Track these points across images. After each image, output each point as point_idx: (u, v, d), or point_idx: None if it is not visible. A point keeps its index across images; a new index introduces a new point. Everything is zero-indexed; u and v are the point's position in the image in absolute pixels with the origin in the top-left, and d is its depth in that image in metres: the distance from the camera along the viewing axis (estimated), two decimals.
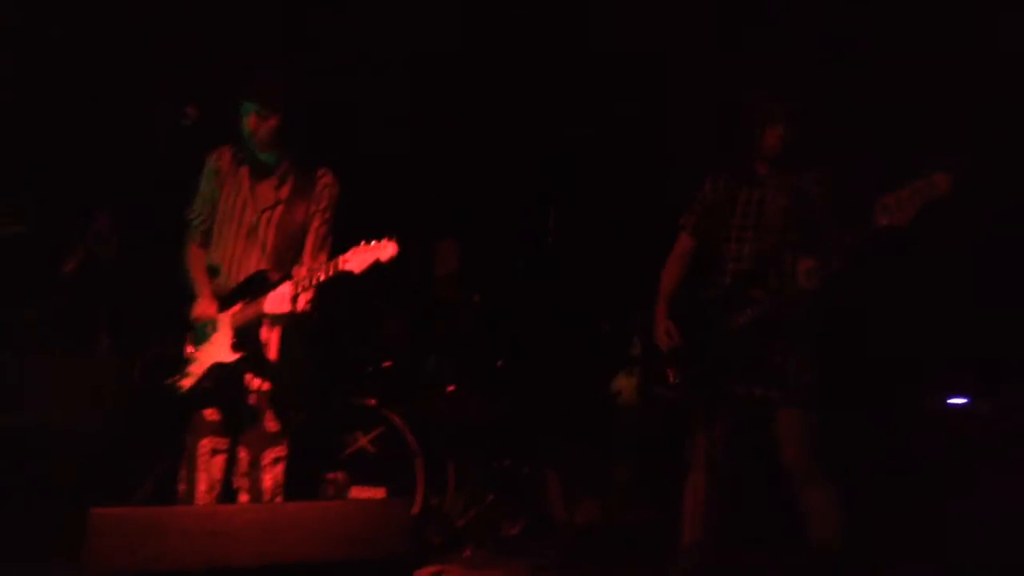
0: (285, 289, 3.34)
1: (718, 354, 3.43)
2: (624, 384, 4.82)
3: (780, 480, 3.52)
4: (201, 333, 3.42)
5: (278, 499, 3.46)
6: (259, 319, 3.39)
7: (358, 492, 4.45)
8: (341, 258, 3.28)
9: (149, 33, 4.85)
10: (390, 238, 3.25)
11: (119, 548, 2.80)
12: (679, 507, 3.74)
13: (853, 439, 4.15)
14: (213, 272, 3.53)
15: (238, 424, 3.47)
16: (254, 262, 3.46)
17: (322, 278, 3.27)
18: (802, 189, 3.48)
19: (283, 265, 3.46)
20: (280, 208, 3.50)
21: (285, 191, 3.52)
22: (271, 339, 3.46)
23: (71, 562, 2.91)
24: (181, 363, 3.42)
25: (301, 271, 3.45)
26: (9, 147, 4.86)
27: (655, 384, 3.71)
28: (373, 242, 3.24)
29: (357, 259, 3.26)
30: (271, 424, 3.46)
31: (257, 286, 3.40)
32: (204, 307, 3.47)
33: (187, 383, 3.39)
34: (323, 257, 3.51)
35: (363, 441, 4.52)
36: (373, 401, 4.56)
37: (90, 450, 4.54)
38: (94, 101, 4.96)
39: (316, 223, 3.54)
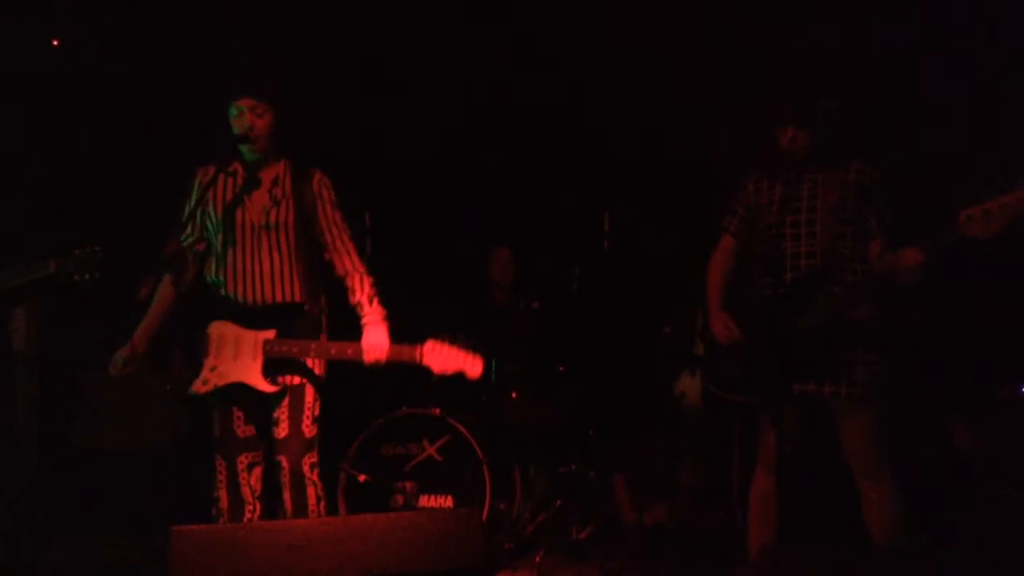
0: (380, 337, 3.37)
1: (784, 353, 3.41)
2: (688, 385, 4.81)
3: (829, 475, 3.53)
4: (218, 342, 3.39)
5: (322, 504, 3.49)
6: (300, 356, 3.39)
7: (427, 501, 4.51)
8: (419, 349, 3.31)
9: (211, 59, 4.95)
10: (476, 353, 3.31)
11: (200, 565, 2.88)
12: (745, 508, 3.74)
13: (923, 431, 4.10)
14: (216, 286, 3.48)
15: (267, 433, 3.48)
16: (267, 267, 3.42)
17: (394, 359, 3.31)
18: (849, 182, 3.45)
19: (310, 267, 3.44)
20: (287, 208, 3.45)
21: (285, 192, 3.47)
22: (316, 364, 3.48)
23: None
24: (193, 363, 3.40)
25: (355, 282, 3.48)
26: (83, 186, 5.02)
27: (715, 386, 3.71)
28: (457, 349, 3.29)
29: (439, 359, 3.30)
30: (308, 430, 3.45)
31: (293, 317, 3.40)
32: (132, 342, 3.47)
33: (203, 389, 3.37)
34: (355, 253, 3.52)
35: (430, 450, 4.57)
36: (438, 411, 4.60)
37: (168, 467, 4.67)
38: (163, 128, 5.10)
39: (332, 223, 3.52)
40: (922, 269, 3.09)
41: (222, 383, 3.38)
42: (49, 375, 4.55)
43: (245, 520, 3.45)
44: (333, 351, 3.41)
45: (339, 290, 3.55)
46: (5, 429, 4.01)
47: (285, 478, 3.44)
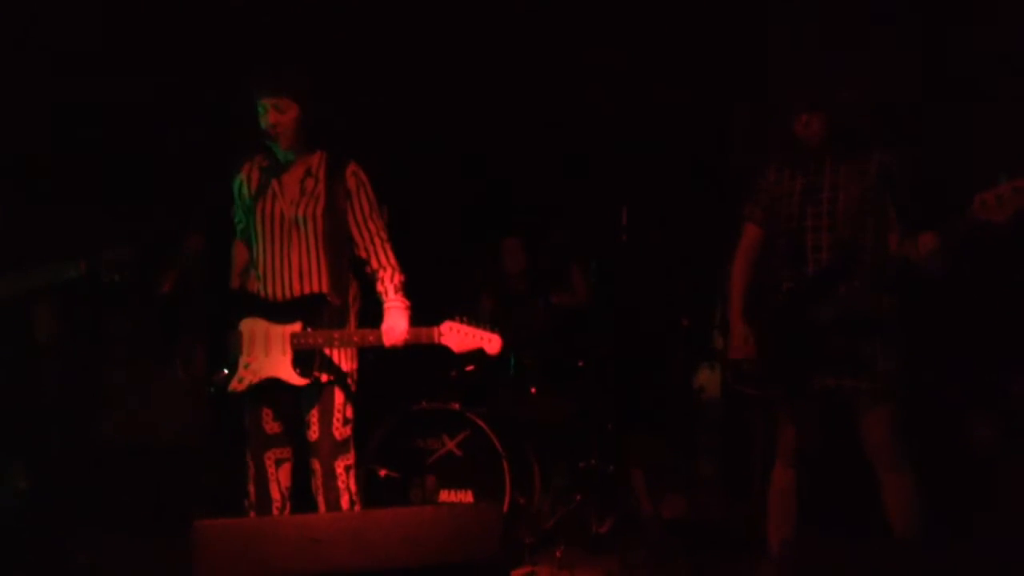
0: (398, 321, 3.42)
1: (804, 346, 3.40)
2: (707, 379, 4.81)
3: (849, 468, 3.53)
4: (249, 338, 3.43)
5: (356, 508, 3.52)
6: (324, 346, 3.42)
7: (447, 496, 4.52)
8: (436, 330, 3.38)
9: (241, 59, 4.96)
10: (493, 330, 3.37)
11: (224, 559, 2.90)
12: (764, 501, 3.74)
13: (943, 424, 4.09)
14: (256, 275, 3.55)
15: (298, 432, 3.52)
16: (295, 260, 3.46)
17: (412, 342, 3.38)
18: (871, 174, 3.44)
19: (337, 260, 3.48)
20: (316, 201, 3.48)
21: (317, 185, 3.50)
22: (336, 354, 3.51)
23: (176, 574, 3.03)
24: (229, 361, 3.44)
25: (385, 274, 3.52)
26: (110, 184, 5.07)
27: (734, 380, 3.70)
28: (474, 328, 3.35)
29: (457, 339, 3.37)
30: (339, 432, 3.49)
31: (318, 309, 3.43)
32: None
33: (239, 387, 3.42)
34: (389, 249, 3.55)
35: (450, 445, 4.58)
36: (457, 405, 4.61)
37: (191, 460, 4.72)
38: (187, 121, 5.14)
39: (368, 219, 3.55)
40: (938, 255, 3.08)
41: (256, 379, 3.42)
42: (73, 371, 4.59)
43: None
44: (356, 338, 3.45)
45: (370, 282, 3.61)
46: (30, 425, 4.04)
47: (318, 481, 3.47)
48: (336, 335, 3.42)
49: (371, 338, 3.41)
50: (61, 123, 5.05)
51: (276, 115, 3.42)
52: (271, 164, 3.56)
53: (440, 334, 3.38)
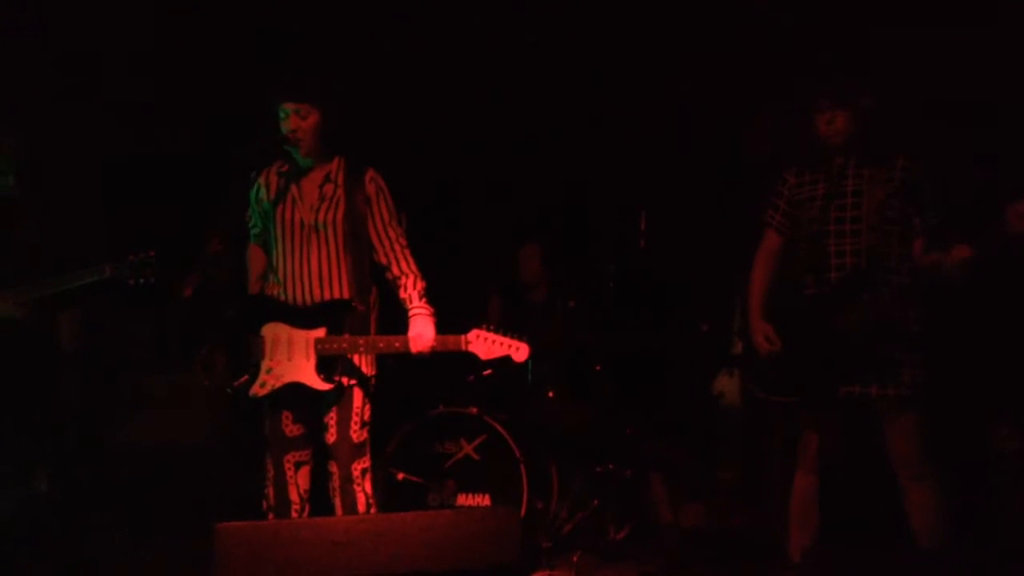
0: (425, 328, 3.44)
1: (827, 353, 3.38)
2: (726, 385, 4.79)
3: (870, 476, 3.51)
4: (272, 344, 3.43)
5: (372, 510, 3.52)
6: (349, 352, 3.43)
7: (464, 500, 4.52)
8: (464, 337, 3.39)
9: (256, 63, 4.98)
10: (522, 339, 3.38)
11: (245, 561, 2.92)
12: (785, 509, 3.72)
13: (967, 433, 4.06)
14: (275, 280, 3.55)
15: (317, 435, 3.53)
16: (315, 266, 3.47)
17: (439, 349, 3.39)
18: (895, 179, 3.41)
19: (359, 265, 3.49)
20: (335, 207, 3.49)
21: (336, 191, 3.51)
22: (358, 359, 3.51)
23: None
24: (250, 366, 3.44)
25: (408, 280, 3.54)
26: (133, 190, 5.09)
27: (755, 386, 3.68)
28: (502, 336, 3.36)
29: (484, 347, 3.37)
30: (356, 435, 3.49)
31: (342, 314, 3.43)
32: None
33: (261, 392, 3.42)
34: (410, 256, 3.57)
35: (468, 449, 4.58)
36: (475, 410, 4.61)
37: (211, 465, 4.73)
38: (208, 126, 5.16)
39: (388, 227, 3.57)
40: (968, 267, 3.06)
41: (279, 384, 3.42)
42: (96, 377, 4.61)
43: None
44: (381, 344, 3.44)
45: (390, 288, 3.62)
46: (52, 429, 4.07)
47: (335, 483, 3.49)
48: (361, 341, 3.42)
49: (397, 344, 3.41)
50: (76, 130, 5.07)
51: (297, 120, 3.43)
52: (290, 169, 3.57)
53: (467, 342, 3.39)
